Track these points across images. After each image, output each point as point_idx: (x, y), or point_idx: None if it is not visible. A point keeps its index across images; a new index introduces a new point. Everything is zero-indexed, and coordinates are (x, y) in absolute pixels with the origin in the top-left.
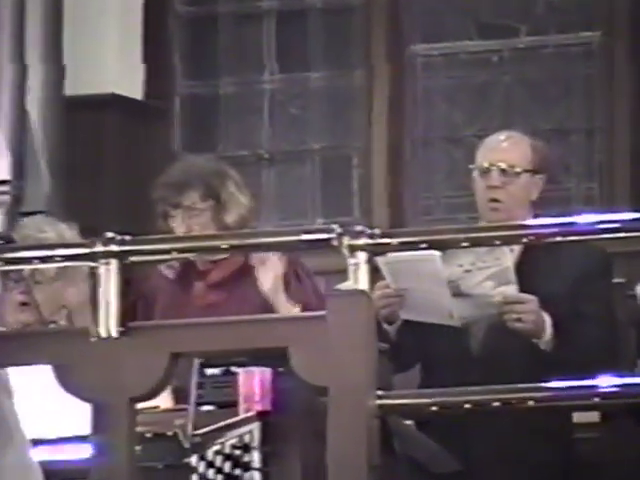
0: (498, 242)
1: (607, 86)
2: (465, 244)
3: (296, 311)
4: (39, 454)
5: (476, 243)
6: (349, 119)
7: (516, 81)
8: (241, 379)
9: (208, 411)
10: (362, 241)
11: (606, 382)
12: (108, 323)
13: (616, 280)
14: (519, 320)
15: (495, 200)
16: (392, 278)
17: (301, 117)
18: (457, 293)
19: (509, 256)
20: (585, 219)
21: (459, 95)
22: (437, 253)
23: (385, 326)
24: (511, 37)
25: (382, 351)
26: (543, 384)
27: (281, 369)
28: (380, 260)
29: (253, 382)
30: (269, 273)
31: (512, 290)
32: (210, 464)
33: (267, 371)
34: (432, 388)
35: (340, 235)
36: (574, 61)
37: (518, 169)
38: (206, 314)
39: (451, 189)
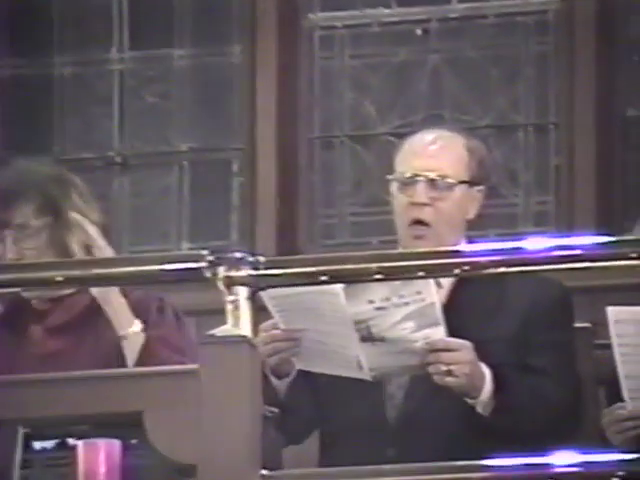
0: (422, 273)
1: (566, 68)
2: (378, 276)
3: (136, 330)
4: None
5: (392, 275)
6: (226, 112)
7: (446, 61)
8: (81, 454)
9: None
10: (243, 272)
11: (564, 459)
12: None
13: (578, 324)
14: (449, 373)
15: (420, 222)
16: (282, 316)
17: (162, 108)
18: (367, 337)
19: (434, 290)
20: (536, 244)
21: (370, 80)
22: (340, 285)
23: (273, 381)
24: (440, 4)
25: (269, 417)
26: (480, 461)
27: (134, 440)
28: (266, 294)
29: (97, 458)
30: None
31: (439, 334)
32: None
33: (115, 443)
34: (334, 466)
35: (213, 264)
36: (522, 35)
37: (451, 180)
38: (44, 366)
39: (360, 204)
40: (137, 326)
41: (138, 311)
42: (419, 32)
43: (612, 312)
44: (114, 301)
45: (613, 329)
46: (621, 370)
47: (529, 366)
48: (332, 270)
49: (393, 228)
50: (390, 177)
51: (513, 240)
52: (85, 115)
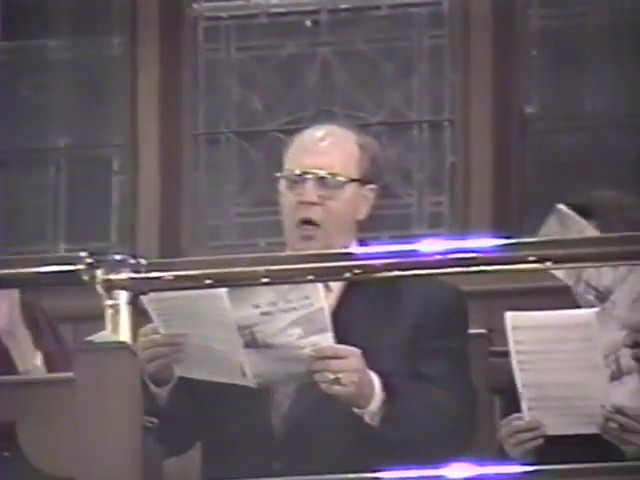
0: (311, 277)
1: (461, 62)
2: (265, 280)
3: (37, 363)
4: None
5: (281, 278)
6: (106, 106)
7: (337, 55)
8: None
9: None
10: (123, 275)
11: (458, 471)
12: None
13: (473, 330)
14: (337, 382)
15: (309, 222)
16: (162, 321)
17: (37, 102)
18: (251, 343)
19: (323, 294)
20: (431, 247)
21: (257, 73)
22: (224, 289)
23: (152, 388)
24: None
25: (149, 427)
26: (371, 474)
27: (6, 453)
28: (145, 297)
29: None
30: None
31: (328, 340)
32: None
33: None
34: (217, 479)
35: (92, 267)
36: (416, 28)
37: (342, 178)
38: None
39: (247, 204)
40: (38, 359)
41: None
42: (308, 23)
43: (511, 318)
44: (18, 335)
45: (511, 336)
46: (519, 378)
47: (421, 374)
48: (217, 273)
49: (282, 229)
50: (278, 175)
51: (407, 242)
52: None
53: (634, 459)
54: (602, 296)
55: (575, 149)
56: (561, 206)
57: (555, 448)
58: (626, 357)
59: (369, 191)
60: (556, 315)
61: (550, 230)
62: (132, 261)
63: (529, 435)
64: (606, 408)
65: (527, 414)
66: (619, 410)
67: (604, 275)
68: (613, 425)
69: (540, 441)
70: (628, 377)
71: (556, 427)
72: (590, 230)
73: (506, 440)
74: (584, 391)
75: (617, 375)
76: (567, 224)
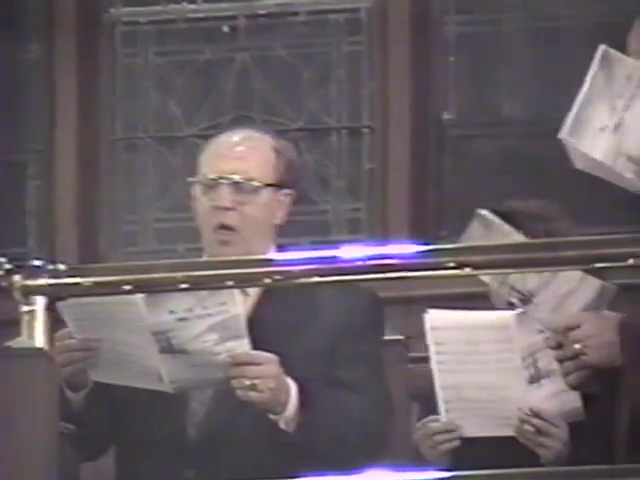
0: (230, 283)
1: (379, 69)
2: (184, 285)
3: None
4: None
5: (200, 284)
6: (22, 111)
7: (255, 60)
8: None
9: None
10: (41, 281)
11: (373, 477)
12: None
13: (391, 337)
14: (253, 388)
15: (225, 227)
16: (78, 325)
17: None
18: (167, 349)
19: (240, 301)
20: (350, 253)
21: (176, 78)
22: (138, 295)
23: (68, 393)
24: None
25: (66, 433)
26: None
27: None
28: (61, 302)
29: None
30: None
31: (244, 347)
32: None
33: None
34: None
35: (10, 272)
36: (334, 34)
37: (257, 183)
38: None
39: (165, 210)
40: None
41: None
42: (226, 29)
43: (430, 318)
44: None
45: (431, 336)
46: (437, 379)
47: (337, 380)
48: (136, 279)
49: (199, 236)
50: (192, 179)
51: (326, 248)
52: None
53: (549, 463)
54: (526, 299)
55: (492, 155)
56: (483, 211)
57: (471, 451)
58: (544, 360)
59: (285, 196)
60: (475, 316)
61: (473, 235)
62: (51, 267)
63: (445, 437)
64: (523, 411)
65: (444, 416)
66: (535, 413)
67: (528, 279)
68: (529, 428)
69: (456, 443)
70: (546, 380)
71: (473, 429)
72: (513, 235)
73: (422, 442)
74: (502, 393)
75: (535, 378)
76: (490, 229)
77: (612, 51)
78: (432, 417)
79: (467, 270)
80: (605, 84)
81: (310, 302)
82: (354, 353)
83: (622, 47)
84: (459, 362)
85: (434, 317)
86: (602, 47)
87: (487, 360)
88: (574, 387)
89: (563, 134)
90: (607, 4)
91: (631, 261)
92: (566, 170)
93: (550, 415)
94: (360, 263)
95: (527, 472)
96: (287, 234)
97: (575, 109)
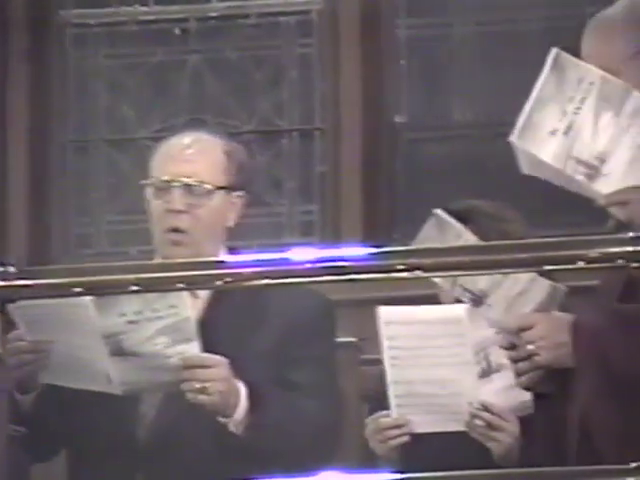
0: (181, 285)
1: (331, 71)
2: (135, 288)
3: None
4: None
5: (151, 287)
6: None
7: (207, 62)
8: None
9: None
10: None
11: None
12: None
13: (343, 339)
14: (203, 391)
15: (177, 230)
16: (28, 328)
17: None
18: (118, 351)
19: (190, 303)
20: (301, 255)
21: (127, 81)
22: (88, 297)
23: (18, 396)
24: (199, 2)
25: (15, 436)
26: None
27: None
28: (12, 304)
29: None
30: None
31: (194, 349)
32: None
33: None
34: None
35: None
36: (285, 36)
37: (209, 186)
38: None
39: (117, 212)
40: None
41: None
42: (178, 31)
43: (383, 313)
44: None
45: (384, 330)
46: (390, 375)
47: (288, 382)
48: (88, 282)
49: (151, 238)
50: (144, 182)
51: (278, 251)
52: None
53: (501, 457)
54: (478, 300)
55: (444, 158)
56: (439, 211)
57: (422, 446)
58: (495, 354)
59: (237, 198)
60: (428, 310)
61: (428, 235)
62: (1, 269)
63: (395, 432)
64: (473, 405)
65: (395, 411)
66: (486, 407)
67: (479, 280)
68: (479, 422)
69: (406, 438)
70: (497, 374)
71: (423, 424)
72: (468, 235)
73: (372, 437)
74: (453, 388)
75: (486, 372)
76: (445, 229)
77: (564, 54)
78: (383, 412)
79: (417, 273)
80: (557, 87)
81: (261, 305)
82: (304, 355)
83: (574, 50)
84: (411, 357)
85: (387, 312)
86: (555, 50)
87: (439, 355)
88: (527, 388)
89: (513, 137)
90: (558, 8)
91: (581, 263)
92: (518, 173)
93: (501, 409)
94: (311, 266)
95: (481, 474)
96: (240, 236)
97: (526, 112)
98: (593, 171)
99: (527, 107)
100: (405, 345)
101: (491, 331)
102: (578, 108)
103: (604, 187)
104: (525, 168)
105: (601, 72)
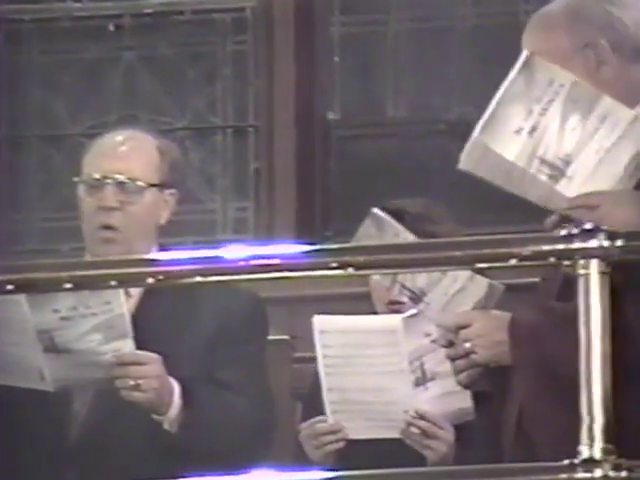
0: (115, 283)
1: (265, 68)
2: (68, 285)
3: None
4: None
5: (84, 284)
6: None
7: (141, 59)
8: None
9: None
10: None
11: (257, 478)
12: None
13: (276, 337)
14: (137, 388)
15: (109, 227)
16: None
17: None
18: (51, 348)
19: (124, 300)
20: (234, 253)
21: (60, 77)
22: (19, 296)
23: None
24: None
25: None
26: None
27: None
28: None
29: None
30: None
31: (128, 346)
32: None
33: None
34: None
35: None
36: (219, 33)
37: (141, 183)
38: None
39: (49, 209)
40: None
41: None
42: (112, 28)
43: (318, 322)
44: None
45: (319, 339)
46: (324, 382)
47: (219, 380)
48: (19, 279)
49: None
50: (77, 179)
51: (211, 248)
52: None
53: (435, 464)
54: (417, 298)
55: (378, 155)
56: (376, 210)
57: (358, 452)
58: (431, 362)
59: (169, 196)
60: (363, 320)
61: (366, 233)
62: None
63: (330, 438)
64: (409, 413)
65: (330, 417)
66: (421, 415)
67: (418, 277)
68: (415, 430)
69: (341, 444)
70: (432, 383)
71: (359, 431)
72: (406, 233)
73: (307, 442)
74: (388, 396)
75: (422, 381)
76: (382, 227)
77: (537, 57)
78: (319, 418)
79: (350, 270)
80: (525, 87)
81: (192, 302)
82: (234, 353)
83: (504, 47)
84: (346, 365)
85: (322, 321)
86: (525, 52)
87: (374, 363)
88: (465, 385)
89: (475, 135)
90: (492, 5)
91: (513, 261)
92: (451, 170)
93: (435, 417)
94: (243, 263)
95: (410, 472)
96: (173, 233)
97: (491, 110)
98: (557, 172)
99: (492, 104)
100: (340, 354)
101: (426, 340)
102: (545, 109)
103: (567, 189)
104: (471, 165)
105: (573, 76)
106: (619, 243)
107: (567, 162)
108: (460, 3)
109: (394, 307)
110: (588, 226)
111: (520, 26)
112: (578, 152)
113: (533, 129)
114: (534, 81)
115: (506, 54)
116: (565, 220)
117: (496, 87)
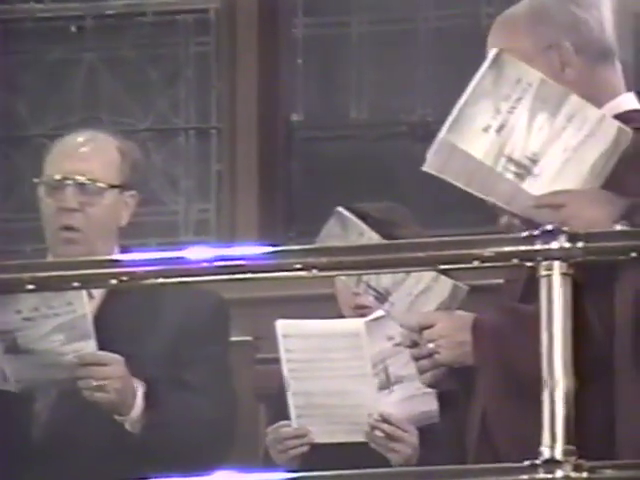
0: (77, 284)
1: (228, 70)
2: (31, 286)
3: None
4: None
5: (46, 285)
6: None
7: (103, 60)
8: None
9: None
10: None
11: (220, 479)
12: None
13: (239, 338)
14: (99, 389)
15: (70, 228)
16: None
17: None
18: (13, 348)
19: (86, 301)
20: (196, 254)
21: (22, 78)
22: None
23: None
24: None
25: None
26: None
27: None
28: None
29: None
30: None
31: (91, 347)
32: None
33: None
34: None
35: None
36: (182, 34)
37: (102, 184)
38: None
39: (11, 210)
40: None
41: None
42: (74, 29)
43: (281, 326)
44: None
45: (282, 344)
46: (289, 386)
47: (182, 381)
48: None
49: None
50: (37, 180)
51: (173, 249)
52: None
53: (400, 467)
54: (382, 297)
55: (341, 157)
56: (341, 209)
57: (322, 455)
58: (395, 366)
59: (130, 197)
60: (326, 324)
61: (330, 233)
62: None
63: (295, 442)
64: (373, 417)
65: (295, 422)
66: (385, 419)
67: (383, 277)
68: (379, 433)
69: (306, 448)
70: (397, 386)
71: (323, 435)
72: (370, 233)
73: (272, 447)
74: (352, 399)
75: (386, 384)
76: (347, 226)
77: (506, 55)
78: (283, 422)
79: (314, 272)
80: (493, 85)
81: (155, 303)
82: (197, 354)
83: (467, 49)
84: (310, 369)
85: (285, 325)
86: (494, 50)
87: (337, 367)
88: (429, 385)
89: (442, 134)
90: (454, 7)
91: (475, 262)
92: (413, 172)
93: (399, 420)
94: (206, 264)
95: (373, 473)
96: (136, 235)
97: (458, 108)
98: (523, 171)
99: (460, 102)
100: (303, 358)
101: (389, 344)
102: (513, 107)
103: (533, 188)
104: (437, 164)
105: (541, 74)
106: (580, 244)
107: (534, 160)
108: (423, 5)
109: (360, 311)
110: (549, 227)
111: (482, 28)
112: (545, 151)
113: (501, 127)
114: (502, 79)
115: (468, 56)
116: (520, 220)
117: (458, 89)
